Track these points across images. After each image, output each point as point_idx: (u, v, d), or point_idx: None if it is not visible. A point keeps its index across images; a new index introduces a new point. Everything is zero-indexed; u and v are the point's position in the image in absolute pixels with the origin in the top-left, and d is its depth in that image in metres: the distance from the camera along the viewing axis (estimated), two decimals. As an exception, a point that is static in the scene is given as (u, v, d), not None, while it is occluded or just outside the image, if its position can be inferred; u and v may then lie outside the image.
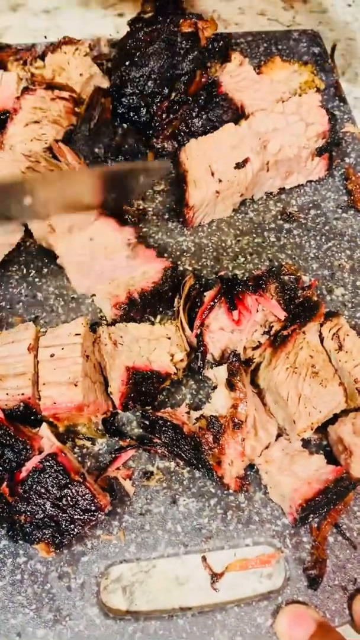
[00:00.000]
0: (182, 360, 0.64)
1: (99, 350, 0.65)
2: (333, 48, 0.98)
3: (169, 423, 0.60)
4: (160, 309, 0.69)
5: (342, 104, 0.92)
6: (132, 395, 0.61)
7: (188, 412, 0.63)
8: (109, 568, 0.61)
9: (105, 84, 0.86)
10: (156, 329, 0.65)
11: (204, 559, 0.62)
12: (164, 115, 0.80)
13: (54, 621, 0.58)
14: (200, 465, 0.60)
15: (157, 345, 0.63)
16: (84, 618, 0.58)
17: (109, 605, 0.60)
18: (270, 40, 0.97)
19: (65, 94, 0.83)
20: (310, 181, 0.84)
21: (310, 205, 0.82)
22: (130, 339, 0.63)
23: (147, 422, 0.61)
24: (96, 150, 0.78)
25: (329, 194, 0.83)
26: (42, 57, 0.87)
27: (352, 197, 0.83)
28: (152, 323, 0.67)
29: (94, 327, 0.68)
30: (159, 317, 0.69)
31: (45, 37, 1.00)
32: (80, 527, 0.57)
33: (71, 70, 0.86)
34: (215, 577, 0.61)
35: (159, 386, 0.62)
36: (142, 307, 0.66)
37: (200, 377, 0.67)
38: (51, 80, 0.85)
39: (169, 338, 0.64)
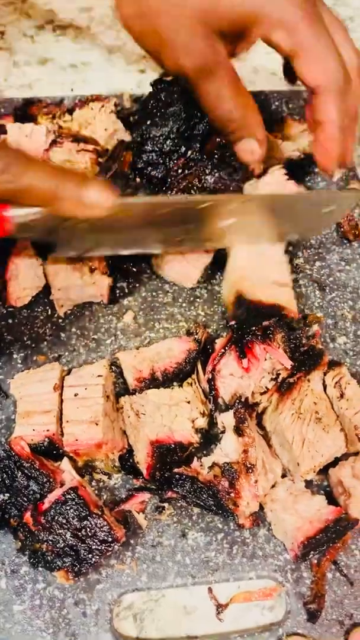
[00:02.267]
0: (202, 428, 0.68)
1: (123, 420, 0.70)
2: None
3: (184, 476, 0.65)
4: (179, 380, 0.72)
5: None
6: (158, 466, 0.66)
7: (199, 460, 0.67)
8: (121, 596, 0.65)
9: (127, 137, 0.93)
10: (175, 393, 0.69)
11: (210, 590, 0.66)
12: (179, 171, 0.86)
13: (70, 645, 0.62)
14: (220, 511, 0.65)
15: (177, 412, 0.68)
16: (98, 643, 0.62)
17: (120, 632, 0.64)
18: (282, 99, 1.04)
19: (90, 147, 0.89)
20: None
21: (316, 257, 0.88)
22: (152, 408, 0.68)
23: (162, 480, 0.66)
24: None
25: (333, 247, 0.89)
26: (70, 111, 0.94)
27: (342, 228, 0.90)
28: (171, 387, 0.71)
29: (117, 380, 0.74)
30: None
31: (72, 89, 1.07)
32: (97, 557, 0.62)
33: (97, 125, 0.93)
34: (220, 607, 0.66)
35: (182, 455, 0.66)
36: (162, 382, 0.71)
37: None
38: (77, 133, 0.92)
39: (189, 402, 0.69)
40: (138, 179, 0.88)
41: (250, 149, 0.73)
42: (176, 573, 0.66)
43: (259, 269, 0.77)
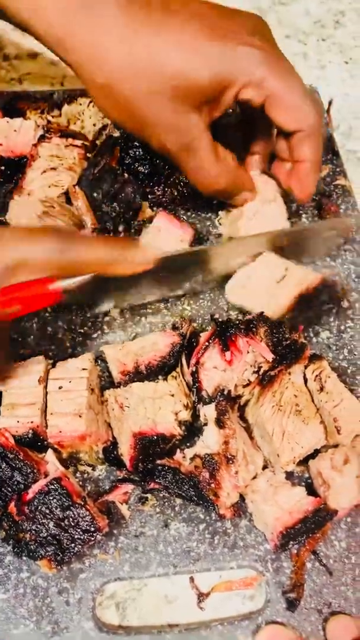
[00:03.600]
0: (186, 421, 0.69)
1: (107, 412, 0.71)
2: (330, 103, 1.05)
3: (167, 468, 0.66)
4: (164, 374, 0.73)
5: (335, 157, 0.99)
6: (140, 457, 0.67)
7: (182, 452, 0.68)
8: (104, 585, 0.66)
9: (116, 133, 0.93)
10: (159, 386, 0.70)
11: (191, 579, 0.67)
12: (166, 167, 0.87)
13: (53, 633, 0.63)
14: (201, 501, 0.66)
15: (161, 405, 0.69)
16: (80, 631, 0.63)
17: (103, 620, 0.65)
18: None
19: (79, 142, 0.90)
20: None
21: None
22: (135, 401, 0.69)
23: (145, 471, 0.67)
24: (94, 194, 0.84)
25: (319, 242, 0.90)
26: (59, 106, 0.95)
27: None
28: (156, 381, 0.72)
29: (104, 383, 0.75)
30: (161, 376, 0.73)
31: (62, 84, 1.08)
32: (80, 546, 0.63)
33: (85, 120, 0.93)
34: (201, 597, 0.67)
35: (165, 447, 0.67)
36: (147, 376, 0.72)
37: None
38: (66, 128, 0.93)
39: (173, 395, 0.69)
40: (126, 175, 0.88)
41: (243, 201, 0.81)
42: (158, 563, 0.67)
43: (259, 286, 0.79)
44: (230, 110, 0.89)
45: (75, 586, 0.65)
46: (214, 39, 0.66)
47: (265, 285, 0.78)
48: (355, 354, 0.81)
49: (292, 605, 0.65)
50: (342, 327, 0.83)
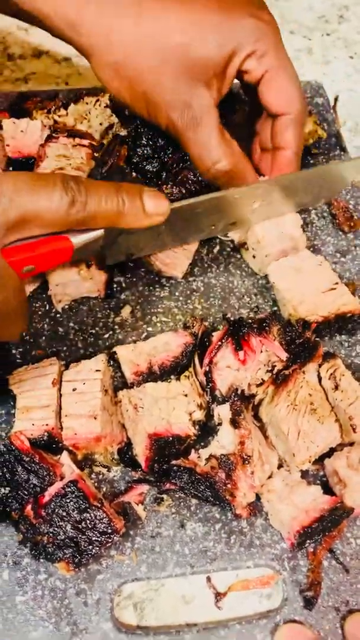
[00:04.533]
0: (200, 421, 0.69)
1: (121, 413, 0.71)
2: (336, 99, 1.05)
3: (182, 468, 0.66)
4: (177, 374, 0.73)
5: (342, 153, 0.99)
6: (156, 458, 0.67)
7: (197, 452, 0.68)
8: (121, 586, 0.66)
9: (123, 132, 0.93)
10: (173, 387, 0.70)
11: (208, 579, 0.67)
12: (174, 165, 0.86)
13: (72, 634, 0.63)
14: (217, 502, 0.66)
15: (175, 405, 0.69)
16: (99, 632, 0.63)
17: (121, 621, 0.65)
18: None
19: (86, 142, 0.89)
20: (312, 226, 0.91)
21: (311, 249, 0.88)
22: (149, 402, 0.68)
23: (160, 472, 0.67)
24: None
25: (328, 238, 0.90)
26: (66, 106, 0.95)
27: (337, 220, 0.91)
28: (169, 380, 0.72)
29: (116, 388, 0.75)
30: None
31: (67, 83, 1.07)
32: (97, 548, 0.63)
33: (92, 119, 0.93)
34: (218, 596, 0.67)
35: (180, 447, 0.67)
36: (160, 376, 0.72)
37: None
38: (72, 128, 0.92)
39: (186, 395, 0.69)
40: (134, 174, 0.88)
41: None
42: (175, 563, 0.67)
43: (305, 285, 0.78)
44: (237, 108, 0.90)
45: (93, 587, 0.65)
46: (221, 12, 0.68)
47: (309, 287, 0.78)
48: (367, 351, 0.81)
49: (309, 603, 0.65)
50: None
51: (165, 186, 0.88)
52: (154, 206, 0.64)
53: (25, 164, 0.89)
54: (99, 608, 0.64)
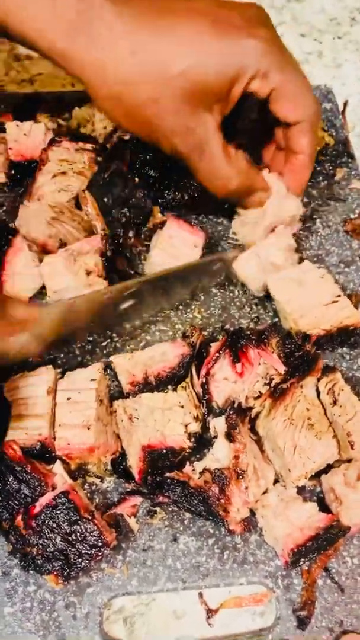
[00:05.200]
0: (196, 433, 0.68)
1: (116, 423, 0.70)
2: (345, 104, 1.03)
3: (176, 481, 0.65)
4: (174, 384, 0.72)
5: (350, 160, 0.97)
6: (149, 470, 0.66)
7: (191, 465, 0.67)
8: (112, 600, 0.65)
9: (126, 136, 0.92)
10: (169, 397, 0.69)
11: (200, 595, 0.66)
12: (177, 170, 0.85)
13: (60, 648, 0.62)
14: (210, 516, 0.65)
15: (171, 416, 0.68)
16: (87, 646, 0.63)
17: (110, 635, 0.64)
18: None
19: (89, 146, 0.89)
20: (317, 235, 0.89)
21: (315, 259, 0.87)
22: (145, 412, 0.68)
23: (153, 484, 0.66)
24: (105, 199, 0.83)
25: (333, 248, 0.88)
26: (69, 109, 0.94)
27: (345, 228, 0.90)
28: (165, 391, 0.71)
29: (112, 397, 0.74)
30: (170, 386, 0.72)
31: (73, 85, 1.06)
32: (87, 561, 0.62)
33: (96, 123, 0.92)
34: (210, 612, 0.66)
35: (175, 460, 0.66)
36: (156, 387, 0.71)
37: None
38: (76, 131, 0.92)
39: (182, 406, 0.68)
40: (137, 179, 0.87)
41: (258, 201, 0.78)
42: (167, 577, 0.66)
43: (307, 298, 0.77)
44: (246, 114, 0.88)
45: (83, 600, 0.65)
46: (218, 35, 0.66)
47: (311, 300, 0.77)
48: (369, 364, 0.79)
49: (302, 623, 0.64)
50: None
51: (167, 192, 0.88)
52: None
53: (27, 167, 0.88)
54: (87, 622, 0.64)
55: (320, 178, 0.95)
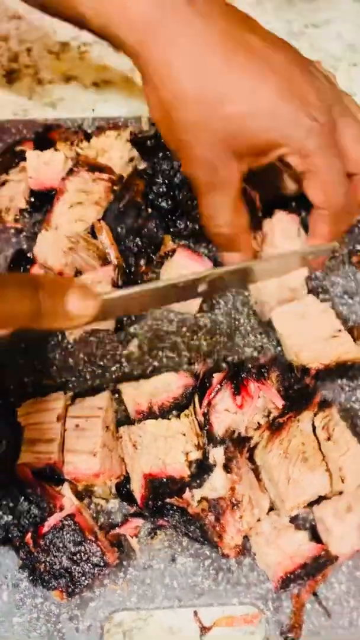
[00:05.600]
0: (196, 460, 0.72)
1: (122, 448, 0.74)
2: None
3: (175, 507, 0.69)
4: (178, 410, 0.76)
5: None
6: (150, 496, 0.70)
7: (191, 491, 0.71)
8: (112, 614, 0.70)
9: (143, 165, 0.96)
10: (172, 424, 0.73)
11: (195, 613, 0.71)
12: (187, 202, 0.89)
13: (63, 657, 0.68)
14: (206, 542, 0.69)
15: (173, 444, 0.71)
16: (88, 657, 0.68)
17: (110, 647, 0.69)
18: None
19: (105, 176, 0.92)
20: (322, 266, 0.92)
21: (319, 289, 0.90)
22: (148, 439, 0.71)
23: (154, 509, 0.70)
24: (118, 229, 0.87)
25: (338, 279, 0.91)
26: (88, 138, 0.98)
27: (352, 261, 0.92)
28: (169, 418, 0.74)
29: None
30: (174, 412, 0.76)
31: (93, 110, 1.10)
32: (90, 579, 0.67)
33: (113, 153, 0.96)
34: (204, 630, 0.70)
35: (174, 488, 0.70)
36: (160, 415, 0.75)
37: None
38: (94, 161, 0.96)
39: (184, 435, 0.72)
40: (149, 210, 0.91)
41: (231, 261, 0.79)
42: (164, 595, 0.71)
43: (308, 332, 0.80)
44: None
45: (85, 614, 0.70)
46: (283, 98, 0.67)
47: (312, 334, 0.79)
48: (367, 396, 0.83)
49: (289, 645, 0.68)
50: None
51: (178, 222, 0.91)
52: (77, 308, 0.57)
53: (47, 195, 0.92)
54: (89, 634, 0.69)
55: (329, 209, 0.98)
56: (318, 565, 0.69)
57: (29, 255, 0.87)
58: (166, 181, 0.89)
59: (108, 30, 0.70)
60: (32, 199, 0.94)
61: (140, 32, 0.67)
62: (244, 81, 0.67)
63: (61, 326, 0.59)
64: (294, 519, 0.73)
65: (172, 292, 0.73)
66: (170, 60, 0.67)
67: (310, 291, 0.89)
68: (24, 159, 0.94)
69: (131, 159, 0.96)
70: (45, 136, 0.99)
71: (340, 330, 0.80)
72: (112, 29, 0.69)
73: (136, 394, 0.77)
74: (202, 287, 0.74)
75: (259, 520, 0.71)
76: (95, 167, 0.93)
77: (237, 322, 0.88)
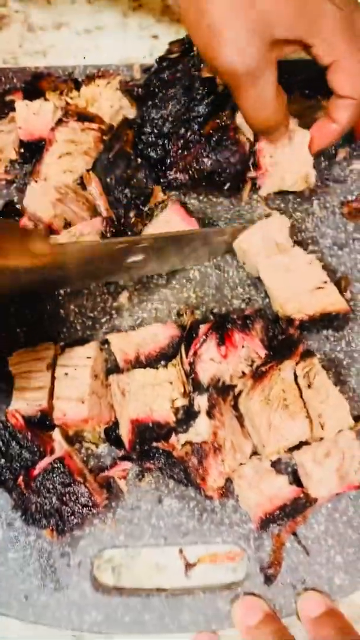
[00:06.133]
0: (182, 407, 0.74)
1: (111, 396, 0.77)
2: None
3: (161, 451, 0.72)
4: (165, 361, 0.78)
5: (353, 139, 0.98)
6: (137, 441, 0.73)
7: (177, 436, 0.74)
8: (101, 551, 0.74)
9: (132, 114, 0.95)
10: (160, 373, 0.75)
11: (180, 551, 0.75)
12: (178, 152, 0.88)
13: (55, 589, 0.72)
14: (190, 484, 0.72)
15: (160, 392, 0.74)
16: (78, 590, 0.72)
17: (99, 581, 0.74)
18: (292, 72, 1.02)
19: (95, 126, 0.92)
20: (313, 216, 0.92)
21: (309, 241, 0.90)
22: (136, 387, 0.74)
23: (141, 452, 0.73)
24: (107, 179, 0.87)
25: (328, 230, 0.91)
26: (78, 87, 0.97)
27: (341, 211, 0.93)
28: (157, 367, 0.76)
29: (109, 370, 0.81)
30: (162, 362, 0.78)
31: (85, 57, 1.08)
32: (79, 519, 0.71)
33: (102, 102, 0.95)
34: (188, 566, 0.74)
35: (160, 432, 0.73)
36: (147, 365, 0.77)
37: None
38: (83, 110, 0.95)
39: (171, 383, 0.74)
40: (139, 160, 0.90)
41: (278, 137, 0.83)
42: (150, 534, 0.74)
43: (294, 284, 0.81)
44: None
45: (76, 551, 0.74)
46: None
47: (298, 285, 0.80)
48: (352, 346, 0.84)
49: (268, 580, 0.72)
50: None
51: (168, 172, 0.91)
52: (36, 248, 0.70)
53: (37, 146, 0.92)
54: (80, 569, 0.73)
55: (322, 158, 0.96)
56: (298, 507, 0.72)
57: (18, 207, 0.88)
58: (155, 130, 0.89)
59: None
60: (22, 150, 0.93)
61: None
62: None
63: (18, 262, 0.68)
64: (276, 464, 0.76)
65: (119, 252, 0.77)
66: None
67: (299, 243, 0.89)
68: (14, 109, 0.93)
69: (121, 108, 0.95)
70: (35, 86, 0.98)
71: (325, 282, 0.81)
72: None
73: (124, 344, 0.78)
74: (134, 258, 0.79)
75: (241, 464, 0.74)
76: (84, 117, 0.92)
77: (226, 275, 0.88)
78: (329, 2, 0.69)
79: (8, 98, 0.97)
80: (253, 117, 0.77)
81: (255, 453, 0.76)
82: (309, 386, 0.74)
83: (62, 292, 0.86)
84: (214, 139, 0.88)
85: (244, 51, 0.70)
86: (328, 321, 0.81)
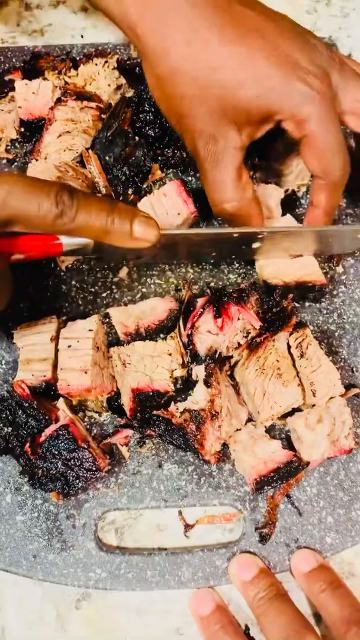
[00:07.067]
0: (181, 377, 0.78)
1: (112, 366, 0.80)
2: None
3: (161, 418, 0.75)
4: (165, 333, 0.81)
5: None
6: (138, 409, 0.76)
7: (176, 405, 0.77)
8: (105, 513, 0.78)
9: (130, 93, 0.97)
10: (159, 345, 0.78)
11: (179, 512, 0.79)
12: (175, 130, 0.90)
13: (61, 549, 0.76)
14: (188, 449, 0.76)
15: (159, 362, 0.77)
16: (84, 549, 0.76)
17: (103, 541, 0.78)
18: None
19: (93, 104, 0.94)
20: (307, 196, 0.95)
21: (303, 216, 0.93)
22: (136, 358, 0.77)
23: (142, 420, 0.77)
24: (106, 158, 0.89)
25: (321, 206, 0.94)
26: (75, 66, 0.98)
27: None
28: (156, 340, 0.79)
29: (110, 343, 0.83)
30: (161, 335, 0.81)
31: (82, 36, 1.09)
32: (83, 482, 0.74)
33: (100, 80, 0.97)
34: (187, 527, 0.78)
35: (160, 401, 0.77)
36: (146, 337, 0.80)
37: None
38: (82, 89, 0.96)
39: (170, 354, 0.78)
40: (137, 138, 0.92)
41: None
42: (151, 497, 0.78)
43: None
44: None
45: (81, 513, 0.77)
46: (272, 64, 0.67)
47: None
48: (344, 318, 0.87)
49: (263, 539, 0.76)
50: (335, 292, 0.88)
51: (166, 150, 0.93)
52: (142, 232, 0.66)
53: (37, 125, 0.94)
54: (85, 530, 0.77)
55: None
56: (291, 470, 0.76)
57: (20, 185, 0.90)
58: (153, 109, 0.90)
59: (104, 5, 0.71)
60: (23, 129, 0.95)
61: (137, 7, 0.69)
62: (235, 51, 0.67)
63: (125, 245, 0.67)
64: (270, 430, 0.80)
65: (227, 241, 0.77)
66: (165, 36, 0.68)
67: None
68: (13, 89, 0.95)
69: (119, 87, 0.97)
70: (34, 65, 0.99)
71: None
72: (110, 5, 0.71)
73: (124, 318, 0.82)
74: (255, 244, 0.78)
75: (237, 430, 0.78)
76: (83, 96, 0.94)
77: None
78: (302, 83, 0.67)
79: (7, 77, 0.98)
80: (210, 199, 0.76)
81: (250, 419, 0.80)
82: (302, 356, 0.77)
83: (63, 267, 0.89)
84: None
85: (204, 135, 0.71)
86: (303, 291, 0.83)
